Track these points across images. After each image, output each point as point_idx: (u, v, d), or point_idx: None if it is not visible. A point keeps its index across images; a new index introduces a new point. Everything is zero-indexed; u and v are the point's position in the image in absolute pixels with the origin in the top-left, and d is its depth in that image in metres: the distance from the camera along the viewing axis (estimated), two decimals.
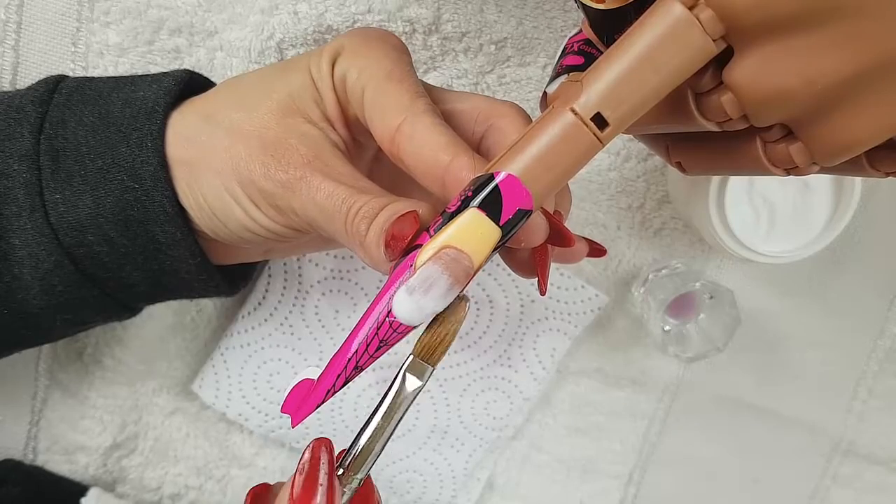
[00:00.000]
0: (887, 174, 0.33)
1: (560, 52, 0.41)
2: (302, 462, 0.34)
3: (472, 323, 0.61)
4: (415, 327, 0.33)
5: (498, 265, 0.58)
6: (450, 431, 0.64)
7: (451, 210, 0.32)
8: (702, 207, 0.53)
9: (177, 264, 0.44)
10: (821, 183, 0.55)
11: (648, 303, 0.59)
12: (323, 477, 0.33)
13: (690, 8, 0.27)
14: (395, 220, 0.34)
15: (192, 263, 0.44)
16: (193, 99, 0.43)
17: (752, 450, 0.69)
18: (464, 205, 0.31)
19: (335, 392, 0.33)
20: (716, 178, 0.52)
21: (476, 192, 0.31)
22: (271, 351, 0.58)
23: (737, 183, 0.53)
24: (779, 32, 0.27)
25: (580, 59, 0.38)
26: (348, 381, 0.34)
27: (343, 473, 0.33)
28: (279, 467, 0.65)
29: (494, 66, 0.55)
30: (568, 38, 0.41)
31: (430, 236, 0.32)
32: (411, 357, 0.34)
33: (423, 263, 0.32)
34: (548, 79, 0.44)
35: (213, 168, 0.40)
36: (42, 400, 0.60)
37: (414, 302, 0.32)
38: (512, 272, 0.57)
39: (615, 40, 0.29)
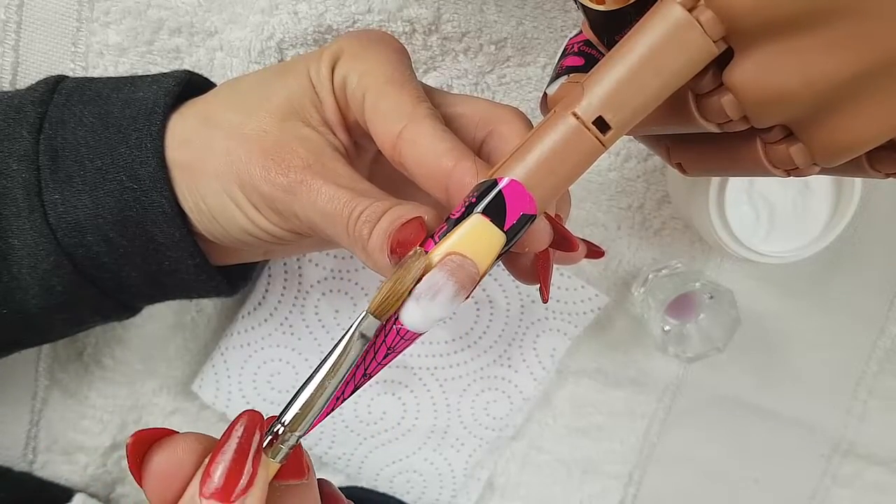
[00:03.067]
0: (888, 175, 0.33)
1: (560, 52, 0.41)
2: (226, 444, 0.31)
3: (473, 323, 0.61)
4: (422, 334, 0.33)
5: (498, 265, 0.58)
6: (450, 431, 0.64)
7: (455, 216, 0.32)
8: (702, 207, 0.53)
9: (176, 265, 0.44)
10: (821, 183, 0.55)
11: (648, 303, 0.59)
12: (248, 467, 0.30)
13: (690, 10, 0.27)
14: (400, 226, 0.34)
15: (191, 264, 0.44)
16: (193, 100, 0.43)
17: (752, 450, 0.69)
18: (468, 211, 0.31)
19: (345, 399, 0.33)
20: (716, 179, 0.52)
21: (480, 198, 0.31)
22: (271, 351, 0.58)
23: (737, 183, 0.53)
24: (779, 33, 0.27)
25: (580, 59, 0.38)
26: (357, 388, 0.33)
27: (282, 431, 0.31)
28: None
29: (494, 66, 0.55)
30: (568, 38, 0.41)
31: (435, 243, 0.32)
32: (365, 314, 0.32)
33: (429, 270, 0.32)
34: (548, 79, 0.44)
35: (213, 171, 0.40)
36: (42, 400, 0.60)
37: (421, 309, 0.32)
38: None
39: (616, 42, 0.29)
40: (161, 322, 0.59)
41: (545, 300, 0.39)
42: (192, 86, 0.45)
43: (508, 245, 0.32)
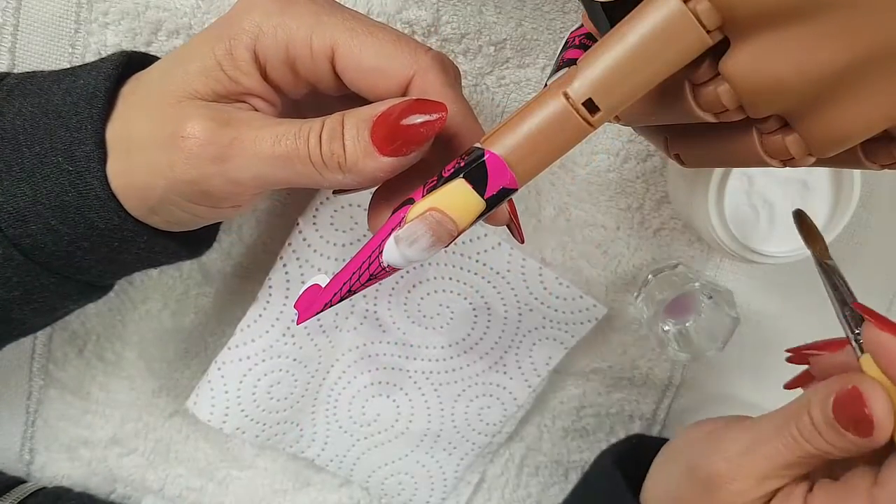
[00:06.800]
0: (882, 167, 0.33)
1: (562, 45, 0.41)
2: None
3: (470, 329, 0.61)
4: (400, 269, 0.36)
5: (497, 273, 0.58)
6: (442, 435, 0.64)
7: (445, 175, 0.34)
8: (701, 208, 0.53)
9: (126, 244, 0.44)
10: (820, 183, 0.55)
11: (648, 303, 0.59)
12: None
13: (686, 0, 0.27)
14: (377, 119, 0.36)
15: (141, 242, 0.44)
16: (134, 90, 0.43)
17: None
18: (456, 173, 0.33)
19: (332, 305, 0.37)
20: (715, 179, 0.52)
21: (467, 164, 0.33)
22: (272, 362, 0.58)
23: (736, 183, 0.53)
24: (774, 24, 0.27)
25: (581, 52, 0.38)
26: (343, 300, 0.37)
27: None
28: (280, 468, 0.65)
29: (493, 67, 0.55)
30: (570, 32, 0.41)
31: (423, 195, 0.34)
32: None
33: (412, 220, 0.34)
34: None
35: (147, 176, 0.40)
36: (37, 400, 0.60)
37: (399, 251, 0.35)
38: (509, 279, 0.57)
39: None
40: (159, 324, 0.59)
41: (522, 240, 0.42)
42: (136, 66, 0.44)
43: (487, 211, 0.34)
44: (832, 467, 0.44)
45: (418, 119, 0.36)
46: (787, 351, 0.50)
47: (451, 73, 0.41)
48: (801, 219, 0.50)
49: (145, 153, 0.40)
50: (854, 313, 0.44)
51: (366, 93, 0.40)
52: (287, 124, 0.38)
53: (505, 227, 0.41)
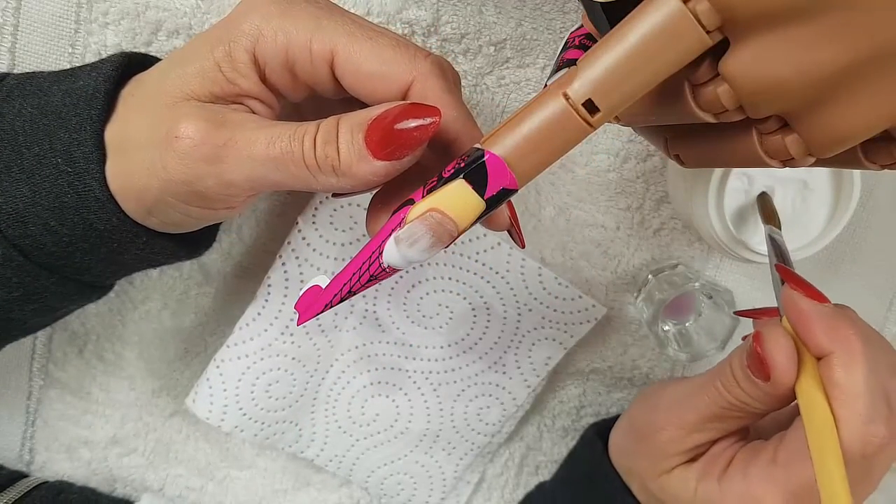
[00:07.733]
0: (882, 167, 0.33)
1: (562, 46, 0.41)
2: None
3: (469, 329, 0.61)
4: (400, 270, 0.36)
5: (497, 273, 0.58)
6: (442, 435, 0.64)
7: (445, 175, 0.34)
8: (701, 207, 0.53)
9: (125, 245, 0.43)
10: (820, 183, 0.55)
11: (648, 303, 0.59)
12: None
13: (686, 0, 0.27)
14: (372, 123, 0.36)
15: (140, 243, 0.44)
16: (132, 92, 0.43)
17: None
18: (456, 174, 0.33)
19: (332, 306, 0.37)
20: (715, 179, 0.52)
21: (468, 165, 0.33)
22: (270, 361, 0.58)
23: (736, 183, 0.53)
24: (775, 24, 0.27)
25: (581, 52, 0.38)
26: (343, 301, 0.37)
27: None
28: (280, 468, 0.65)
29: (493, 67, 0.55)
30: (570, 32, 0.41)
31: (423, 196, 0.34)
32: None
33: (412, 220, 0.34)
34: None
35: (143, 177, 0.40)
36: (37, 400, 0.60)
37: (399, 252, 0.35)
38: (508, 279, 0.57)
39: None
40: (159, 324, 0.59)
41: (523, 245, 0.43)
42: (136, 67, 0.44)
43: (488, 212, 0.34)
44: (770, 433, 0.48)
45: (412, 123, 0.36)
46: (735, 313, 0.54)
47: (450, 78, 0.40)
48: (763, 200, 0.53)
49: (141, 154, 0.40)
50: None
51: (365, 97, 0.40)
52: (282, 127, 0.38)
53: (505, 231, 0.41)
